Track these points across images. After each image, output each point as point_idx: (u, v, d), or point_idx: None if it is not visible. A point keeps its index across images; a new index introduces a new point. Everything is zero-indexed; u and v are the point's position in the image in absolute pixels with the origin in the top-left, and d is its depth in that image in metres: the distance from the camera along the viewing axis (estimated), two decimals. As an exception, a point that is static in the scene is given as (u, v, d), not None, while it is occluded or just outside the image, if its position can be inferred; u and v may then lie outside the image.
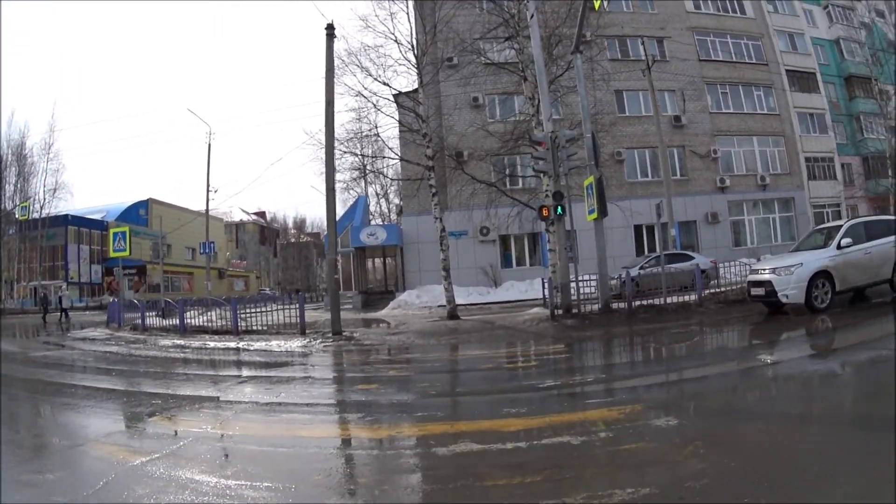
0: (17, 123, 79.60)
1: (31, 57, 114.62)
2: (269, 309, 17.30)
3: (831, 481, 3.50)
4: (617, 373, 8.32)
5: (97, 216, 53.58)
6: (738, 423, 4.99)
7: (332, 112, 15.64)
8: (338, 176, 19.85)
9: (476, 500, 3.63)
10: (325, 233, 20.42)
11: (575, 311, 14.69)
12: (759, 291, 12.25)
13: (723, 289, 16.38)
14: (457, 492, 3.77)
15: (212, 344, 14.42)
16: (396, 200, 49.08)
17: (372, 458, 4.72)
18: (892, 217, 13.54)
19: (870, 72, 33.79)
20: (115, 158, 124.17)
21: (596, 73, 24.22)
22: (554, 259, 16.59)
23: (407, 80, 19.04)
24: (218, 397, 7.40)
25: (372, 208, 51.23)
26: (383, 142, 21.12)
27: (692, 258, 21.04)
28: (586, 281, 15.77)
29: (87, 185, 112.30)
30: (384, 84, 17.82)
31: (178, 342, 15.21)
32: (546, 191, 16.22)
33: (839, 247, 11.60)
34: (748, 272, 14.33)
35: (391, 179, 37.88)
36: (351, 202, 44.21)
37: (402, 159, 21.96)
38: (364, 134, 20.06)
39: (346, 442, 5.24)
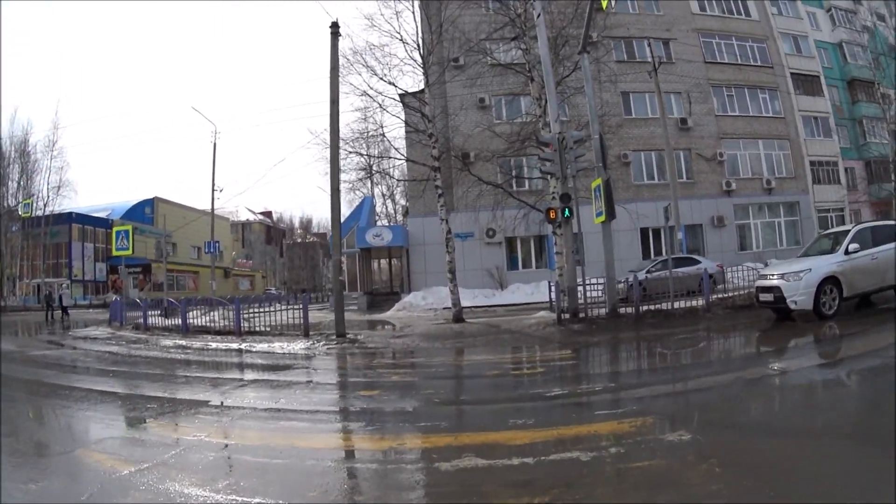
0: (20, 120, 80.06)
1: (36, 53, 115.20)
2: (272, 309, 17.14)
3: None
4: (625, 381, 8.09)
5: (102, 214, 53.61)
6: (754, 439, 4.73)
7: (337, 111, 15.46)
8: (343, 176, 19.75)
9: (480, 521, 3.43)
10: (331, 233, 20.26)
11: (582, 315, 14.47)
12: (768, 297, 12.04)
13: (730, 294, 16.11)
14: (460, 512, 3.56)
15: (213, 345, 14.25)
16: (403, 201, 49.00)
17: (371, 473, 4.50)
18: None
19: (872, 75, 33.59)
20: (120, 157, 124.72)
21: (602, 75, 24.05)
22: (561, 262, 16.38)
23: (413, 80, 18.94)
24: (215, 402, 7.21)
25: (378, 209, 51.12)
26: (389, 142, 21.02)
27: (699, 262, 20.89)
28: (593, 284, 15.54)
29: (91, 184, 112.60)
30: (390, 83, 17.74)
31: (180, 342, 15.05)
32: (553, 193, 16.03)
33: (847, 252, 11.44)
34: (756, 277, 14.14)
35: (397, 180, 37.76)
36: (357, 203, 44.14)
37: (407, 160, 21.78)
38: (370, 134, 19.89)
39: (345, 454, 5.01)
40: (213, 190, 33.00)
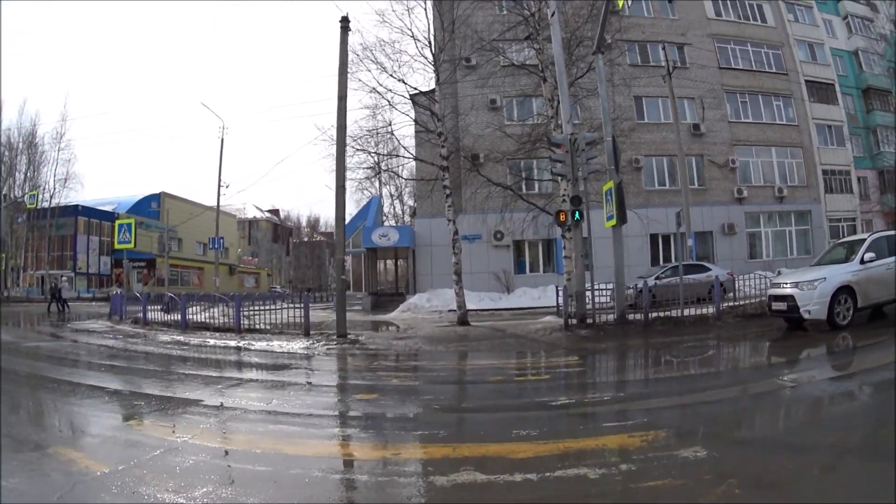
0: (28, 112, 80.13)
1: (46, 46, 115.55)
2: (272, 307, 16.88)
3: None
4: (635, 391, 7.74)
5: (108, 208, 53.56)
6: (773, 456, 4.38)
7: (345, 107, 15.22)
8: (351, 174, 19.42)
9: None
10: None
11: (589, 320, 14.13)
12: (781, 306, 11.67)
13: (741, 302, 15.79)
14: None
15: (211, 342, 14.02)
16: (410, 202, 48.73)
17: (361, 486, 4.14)
18: None
19: (888, 84, 33.14)
20: (128, 151, 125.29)
21: (616, 77, 23.74)
22: (569, 266, 16.06)
23: (423, 78, 18.79)
24: (206, 402, 6.91)
25: (386, 209, 50.89)
26: (397, 140, 20.72)
27: (709, 269, 20.60)
28: (601, 290, 15.21)
29: (98, 177, 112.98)
30: (399, 80, 17.47)
31: (178, 338, 14.81)
32: (563, 195, 15.75)
33: (862, 261, 11.09)
34: (768, 285, 13.79)
35: (405, 179, 37.51)
36: (365, 202, 43.90)
37: (416, 159, 21.55)
38: (378, 131, 19.63)
39: (334, 464, 4.64)
40: (219, 186, 32.83)
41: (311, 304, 16.67)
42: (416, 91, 18.31)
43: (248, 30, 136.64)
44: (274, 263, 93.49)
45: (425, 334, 14.98)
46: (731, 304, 15.67)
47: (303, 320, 15.20)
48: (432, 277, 27.97)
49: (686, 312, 14.62)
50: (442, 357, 11.42)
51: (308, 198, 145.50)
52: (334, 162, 15.49)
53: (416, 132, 22.00)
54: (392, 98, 17.86)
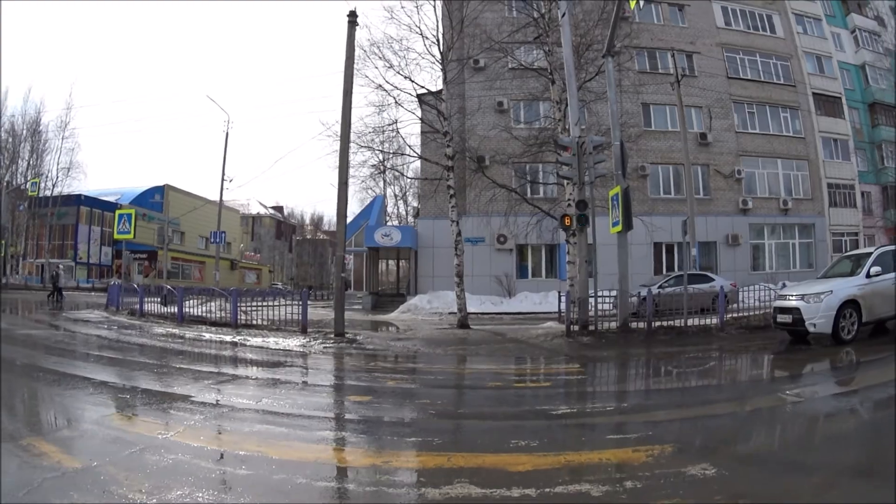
0: (33, 99, 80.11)
1: (52, 33, 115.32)
2: (272, 304, 16.66)
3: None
4: (638, 402, 7.48)
5: (111, 198, 53.24)
6: (785, 476, 4.12)
7: (350, 102, 14.97)
8: (355, 172, 19.20)
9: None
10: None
11: (592, 328, 13.90)
12: (786, 318, 11.43)
13: (744, 313, 15.55)
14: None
15: (207, 336, 13.78)
16: (414, 203, 48.56)
17: (346, 496, 3.88)
18: None
19: (894, 100, 32.89)
20: (132, 142, 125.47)
21: (625, 81, 23.53)
22: (573, 272, 15.83)
23: (430, 76, 18.69)
24: (193, 397, 6.67)
25: (389, 209, 50.76)
26: (402, 139, 20.49)
27: (712, 280, 20.45)
28: (604, 297, 14.97)
29: (101, 167, 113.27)
30: (406, 78, 17.28)
31: (173, 331, 14.59)
32: (569, 200, 15.53)
33: (868, 275, 10.91)
34: (773, 298, 13.64)
35: (410, 178, 37.38)
36: (369, 202, 43.70)
37: (421, 157, 21.34)
38: (383, 129, 19.46)
39: (321, 471, 4.32)
40: (222, 180, 32.74)
41: (311, 302, 16.45)
42: (423, 89, 18.12)
43: (257, 24, 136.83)
44: (276, 260, 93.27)
45: (424, 336, 14.79)
46: (734, 315, 15.47)
47: (301, 317, 14.94)
48: (434, 279, 27.79)
49: (689, 322, 14.42)
50: (440, 360, 11.19)
51: (312, 196, 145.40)
52: (337, 158, 15.26)
53: (421, 132, 21.90)
54: (398, 96, 17.69)
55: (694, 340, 13.02)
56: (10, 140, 45.48)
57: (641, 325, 14.34)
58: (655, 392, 8.51)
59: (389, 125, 19.01)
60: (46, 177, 45.80)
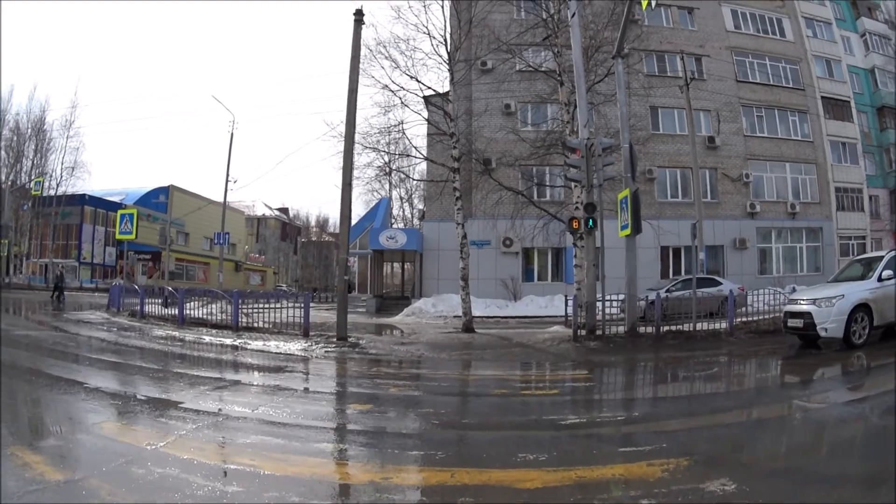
0: (38, 98, 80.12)
1: (57, 31, 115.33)
2: (274, 306, 16.43)
3: None
4: (649, 410, 7.21)
5: (116, 198, 53.15)
6: (809, 489, 3.86)
7: (355, 101, 14.75)
8: (360, 174, 19.04)
9: None
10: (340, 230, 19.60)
11: (599, 332, 13.63)
12: (797, 323, 11.26)
13: (754, 318, 15.36)
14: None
15: (206, 339, 13.56)
16: (420, 206, 48.31)
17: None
18: None
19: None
20: (137, 142, 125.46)
21: (634, 83, 23.34)
22: (580, 275, 15.57)
23: (437, 76, 18.52)
24: (186, 405, 6.43)
25: (395, 212, 50.54)
26: (408, 140, 20.31)
27: (720, 283, 20.15)
28: (611, 301, 14.74)
29: (106, 167, 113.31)
30: (412, 78, 17.08)
31: (173, 334, 14.34)
32: (577, 202, 15.29)
33: (880, 279, 10.78)
34: (783, 301, 13.54)
35: (415, 180, 37.21)
36: (374, 204, 43.50)
37: (427, 159, 21.13)
38: (389, 130, 19.25)
39: (317, 489, 4.02)
40: (227, 180, 32.50)
41: (315, 305, 16.22)
42: (430, 90, 17.91)
43: (262, 23, 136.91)
44: (281, 262, 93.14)
45: (429, 340, 14.55)
46: (743, 319, 15.30)
47: (303, 321, 14.69)
48: (439, 282, 27.70)
49: (698, 327, 14.23)
50: (445, 365, 10.92)
51: (318, 198, 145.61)
52: (342, 159, 15.04)
53: (428, 133, 21.72)
54: (405, 97, 17.49)
55: (703, 345, 12.79)
56: (15, 139, 45.33)
57: (650, 329, 14.16)
58: (666, 399, 8.28)
59: (395, 126, 18.81)
60: (51, 176, 45.67)
